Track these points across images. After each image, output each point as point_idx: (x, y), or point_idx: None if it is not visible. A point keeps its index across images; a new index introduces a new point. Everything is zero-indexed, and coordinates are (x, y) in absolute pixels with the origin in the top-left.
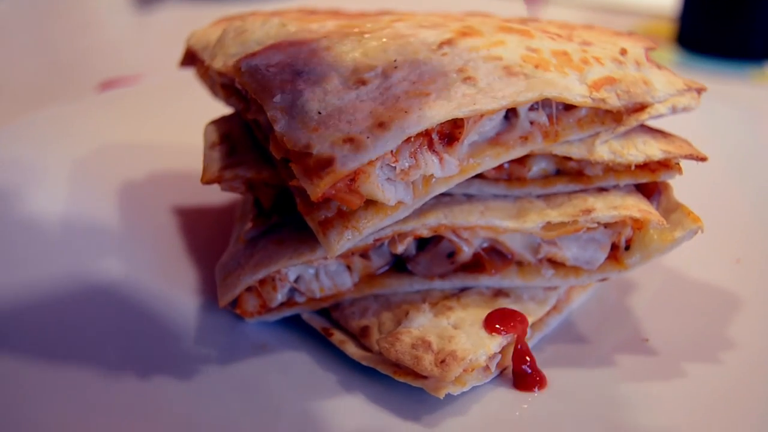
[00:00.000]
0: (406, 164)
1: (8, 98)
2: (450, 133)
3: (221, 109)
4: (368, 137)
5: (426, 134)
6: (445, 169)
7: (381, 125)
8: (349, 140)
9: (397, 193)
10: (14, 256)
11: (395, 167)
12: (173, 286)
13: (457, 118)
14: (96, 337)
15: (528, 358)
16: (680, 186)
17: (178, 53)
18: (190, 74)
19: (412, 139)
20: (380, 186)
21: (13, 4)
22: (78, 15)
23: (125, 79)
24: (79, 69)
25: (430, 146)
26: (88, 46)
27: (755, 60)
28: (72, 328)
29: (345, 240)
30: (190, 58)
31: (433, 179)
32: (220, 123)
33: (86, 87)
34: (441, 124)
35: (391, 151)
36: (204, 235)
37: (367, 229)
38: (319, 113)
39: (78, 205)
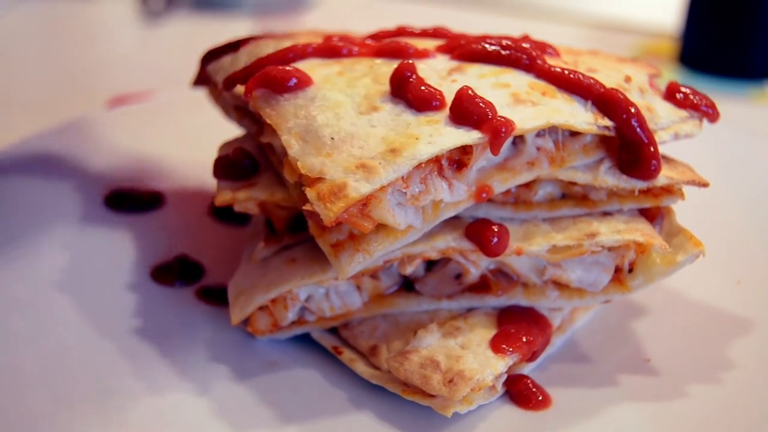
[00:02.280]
0: (417, 190)
1: (16, 113)
2: (459, 159)
3: (232, 126)
4: (380, 163)
5: (436, 160)
6: (454, 195)
7: (393, 151)
8: (362, 166)
9: (407, 218)
10: (21, 271)
11: (406, 192)
12: (185, 303)
13: (466, 145)
14: (106, 351)
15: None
16: (682, 207)
17: (188, 67)
18: (200, 91)
19: (423, 165)
20: (391, 211)
21: (20, 19)
22: (85, 30)
23: (135, 96)
24: (88, 84)
25: (440, 172)
26: (95, 61)
27: (756, 79)
28: (82, 343)
29: (356, 263)
30: (203, 79)
31: (443, 204)
32: (233, 144)
33: (95, 102)
34: (450, 150)
35: (402, 177)
36: (216, 252)
37: (377, 252)
38: (332, 139)
39: (87, 221)
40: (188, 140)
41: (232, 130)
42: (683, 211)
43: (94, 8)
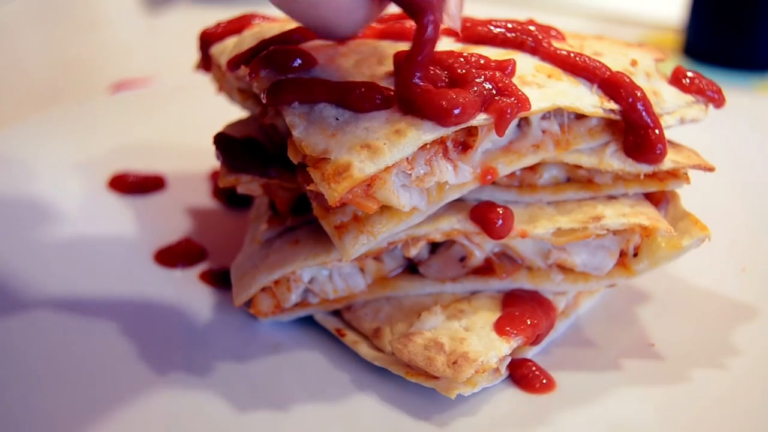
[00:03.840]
0: (421, 171)
1: (19, 98)
2: (464, 141)
3: (235, 110)
4: (385, 144)
5: (441, 142)
6: (459, 177)
7: (397, 132)
8: (367, 146)
9: (412, 199)
10: (26, 255)
11: (411, 174)
12: (188, 286)
13: (471, 127)
14: (111, 334)
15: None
16: (687, 194)
17: (190, 55)
18: (202, 76)
19: (428, 146)
20: (396, 192)
21: (23, 5)
22: (87, 16)
23: (137, 81)
24: (90, 70)
25: (445, 154)
26: (98, 47)
27: (759, 70)
28: (87, 326)
29: (360, 244)
30: (207, 62)
31: (447, 186)
32: (236, 126)
33: (97, 88)
34: (455, 132)
35: (407, 158)
36: (218, 235)
37: (382, 234)
38: (337, 119)
39: (90, 206)
40: (190, 124)
41: (234, 115)
42: (688, 198)
43: None
